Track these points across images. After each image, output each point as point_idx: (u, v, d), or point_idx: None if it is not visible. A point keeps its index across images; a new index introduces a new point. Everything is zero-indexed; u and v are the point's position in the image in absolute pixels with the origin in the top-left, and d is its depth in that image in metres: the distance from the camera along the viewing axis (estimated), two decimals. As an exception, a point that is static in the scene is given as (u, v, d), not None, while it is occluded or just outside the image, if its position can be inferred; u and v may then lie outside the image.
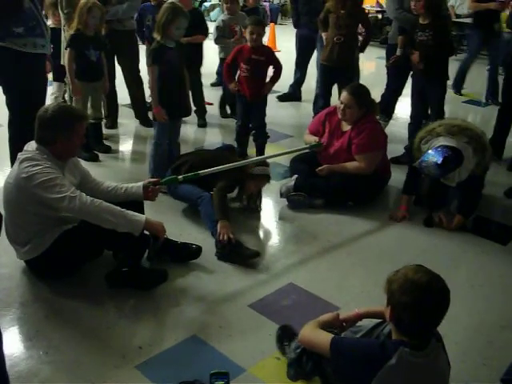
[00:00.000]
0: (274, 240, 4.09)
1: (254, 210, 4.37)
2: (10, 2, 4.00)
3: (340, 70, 5.71)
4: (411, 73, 5.49)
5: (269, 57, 5.06)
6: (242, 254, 3.64)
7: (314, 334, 2.42)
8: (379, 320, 2.44)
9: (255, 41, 4.93)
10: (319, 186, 4.51)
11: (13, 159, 3.87)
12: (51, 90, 5.73)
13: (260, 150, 5.23)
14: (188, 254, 3.65)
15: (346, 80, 5.37)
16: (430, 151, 3.99)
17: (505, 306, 3.37)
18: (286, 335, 2.82)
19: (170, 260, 3.59)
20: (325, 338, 2.31)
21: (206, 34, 6.09)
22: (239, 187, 4.32)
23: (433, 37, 5.00)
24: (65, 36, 5.15)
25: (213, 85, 7.64)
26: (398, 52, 5.59)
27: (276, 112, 6.58)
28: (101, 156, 5.31)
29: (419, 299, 2.01)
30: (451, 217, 4.22)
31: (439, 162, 3.88)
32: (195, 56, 5.92)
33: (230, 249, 3.64)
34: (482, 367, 2.84)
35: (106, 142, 5.62)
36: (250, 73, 5.00)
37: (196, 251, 3.65)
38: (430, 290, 2.02)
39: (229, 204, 4.21)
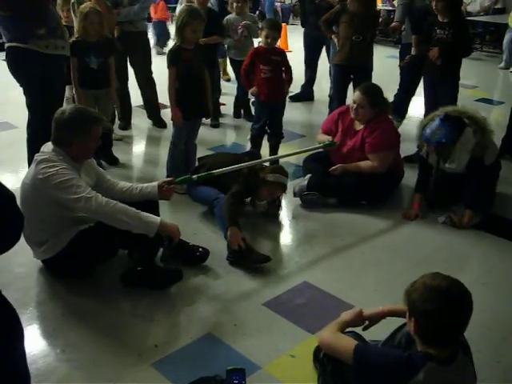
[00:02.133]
0: (288, 239, 4.12)
1: (272, 216, 4.32)
2: (38, 5, 4.06)
3: (356, 68, 5.69)
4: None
5: (283, 57, 5.03)
6: (252, 259, 3.61)
7: (334, 339, 2.31)
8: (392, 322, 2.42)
9: (270, 44, 4.91)
10: (332, 186, 4.52)
11: (30, 160, 3.91)
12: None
13: (274, 150, 5.20)
14: (194, 257, 3.62)
15: (361, 79, 5.35)
16: (430, 122, 4.12)
17: (519, 303, 3.36)
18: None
19: (181, 263, 3.59)
20: (347, 344, 2.21)
21: (221, 34, 6.05)
22: (253, 193, 4.26)
23: (452, 35, 4.99)
24: None
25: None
26: (413, 51, 5.55)
27: (289, 112, 6.52)
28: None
29: (442, 305, 1.97)
30: (462, 214, 4.21)
31: (442, 117, 4.01)
32: (211, 57, 5.92)
33: (241, 255, 3.62)
34: (495, 364, 2.83)
35: (120, 144, 5.66)
36: (272, 73, 4.93)
37: (202, 255, 3.62)
38: (452, 295, 1.98)
39: (243, 207, 4.23)
